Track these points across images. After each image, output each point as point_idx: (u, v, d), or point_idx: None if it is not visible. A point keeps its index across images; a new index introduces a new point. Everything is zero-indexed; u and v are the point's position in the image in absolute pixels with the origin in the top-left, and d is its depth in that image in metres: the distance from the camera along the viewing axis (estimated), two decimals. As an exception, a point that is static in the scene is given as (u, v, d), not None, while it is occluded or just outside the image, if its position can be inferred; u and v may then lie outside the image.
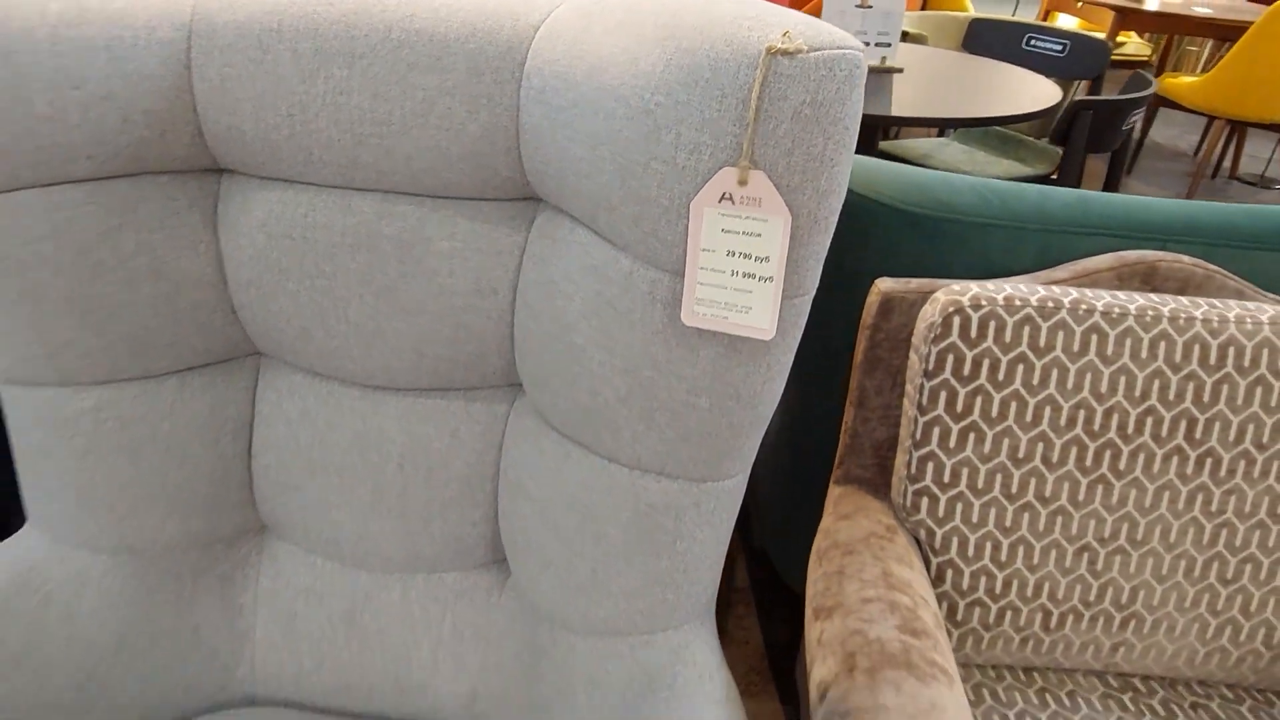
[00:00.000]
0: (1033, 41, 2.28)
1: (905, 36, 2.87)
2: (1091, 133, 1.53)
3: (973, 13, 2.90)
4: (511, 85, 0.61)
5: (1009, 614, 0.78)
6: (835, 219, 0.55)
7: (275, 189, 0.69)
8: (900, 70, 2.03)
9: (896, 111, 1.60)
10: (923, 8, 3.62)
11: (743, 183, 0.51)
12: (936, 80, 1.91)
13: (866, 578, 0.71)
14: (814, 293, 0.59)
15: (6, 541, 0.74)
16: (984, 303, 0.71)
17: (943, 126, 1.49)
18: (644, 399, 0.61)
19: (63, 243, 0.65)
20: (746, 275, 0.54)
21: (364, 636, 0.78)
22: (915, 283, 0.78)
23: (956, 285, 0.73)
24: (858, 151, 0.90)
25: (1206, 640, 0.78)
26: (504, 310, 0.68)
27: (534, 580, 0.72)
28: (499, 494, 0.74)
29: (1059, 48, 2.22)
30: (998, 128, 2.48)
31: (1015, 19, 2.45)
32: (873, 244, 0.84)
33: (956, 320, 0.71)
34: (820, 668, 0.65)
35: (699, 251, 0.54)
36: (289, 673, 0.79)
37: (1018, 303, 0.71)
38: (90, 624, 0.73)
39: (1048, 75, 2.26)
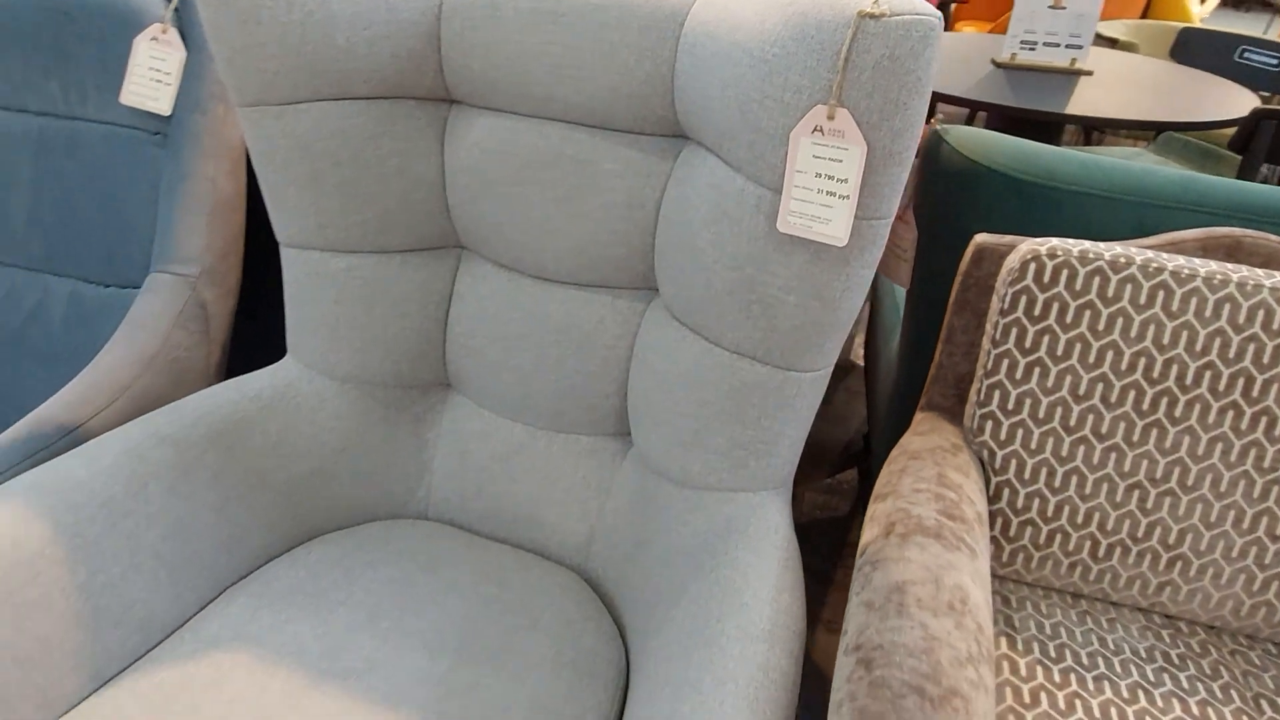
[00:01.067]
0: (1245, 54, 2.19)
1: (1115, 44, 2.80)
2: (1273, 143, 1.50)
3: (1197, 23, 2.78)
4: (671, 41, 0.79)
5: (1059, 537, 0.87)
6: (909, 155, 0.69)
7: (489, 116, 0.91)
8: (1089, 73, 2.03)
9: (1071, 110, 1.64)
10: (1143, 15, 3.47)
11: (831, 118, 0.66)
12: (1124, 84, 1.91)
13: (923, 475, 0.83)
14: (890, 218, 0.72)
15: (273, 366, 1.01)
16: (1060, 253, 0.82)
17: (1100, 127, 1.53)
18: (745, 292, 0.77)
19: (341, 143, 0.90)
20: (829, 194, 0.69)
21: (514, 476, 0.99)
22: (1008, 238, 0.89)
23: (1040, 240, 0.84)
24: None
25: (1253, 592, 0.84)
26: (649, 222, 0.86)
27: (648, 438, 0.90)
28: (630, 372, 0.92)
29: (1273, 62, 2.13)
30: (1199, 141, 2.39)
31: (1227, 30, 2.34)
32: (981, 206, 0.95)
33: (1033, 266, 0.82)
34: (865, 535, 0.79)
35: (794, 172, 0.69)
36: (455, 497, 1.02)
37: (1091, 256, 0.81)
38: (324, 430, 0.98)
39: (1255, 89, 2.16)
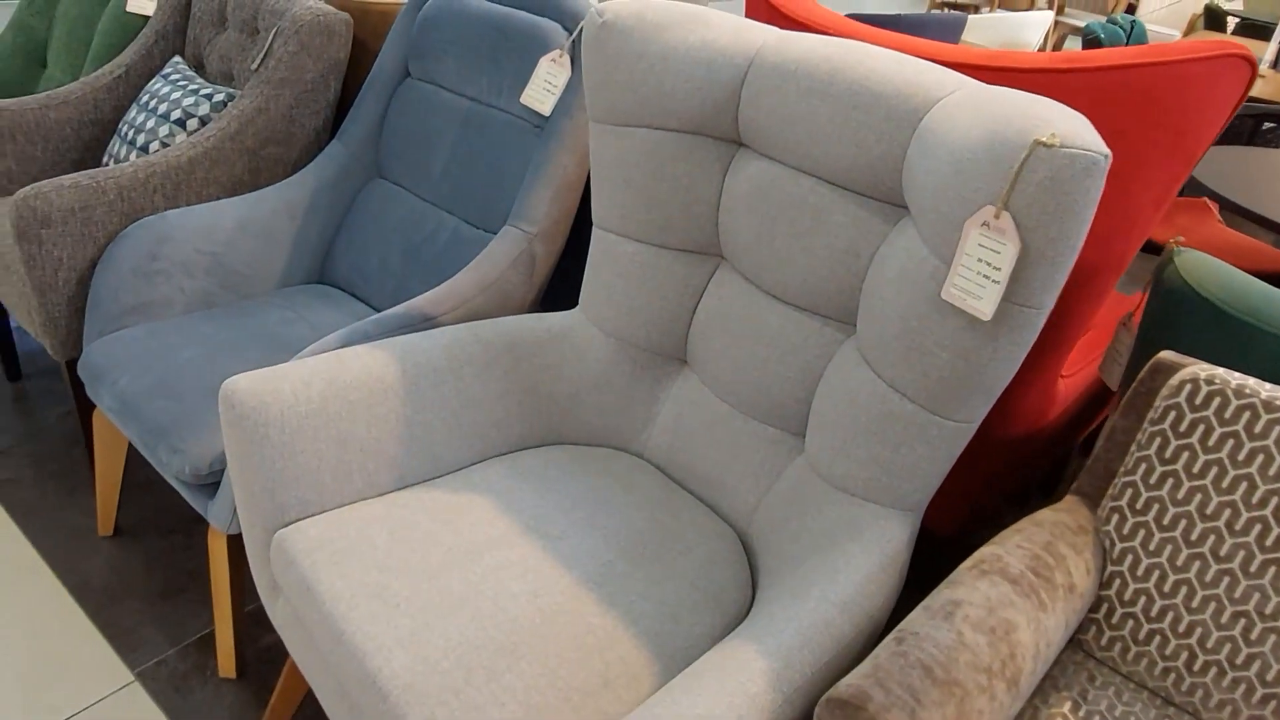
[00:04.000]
0: None
1: None
2: None
3: None
4: (908, 131, 0.98)
5: (1157, 638, 0.94)
6: (1061, 260, 0.82)
7: (763, 161, 1.15)
8: None
9: None
10: None
11: (997, 217, 0.82)
12: None
13: (1034, 539, 0.95)
14: (1042, 309, 0.86)
15: (568, 312, 1.35)
16: (1217, 381, 0.89)
17: None
18: (908, 340, 0.94)
19: (651, 159, 1.20)
20: (985, 277, 0.84)
21: (711, 443, 1.23)
22: (1188, 359, 0.96)
23: (1208, 365, 0.91)
24: None
25: (1348, 758, 0.85)
26: (861, 269, 1.06)
27: (814, 439, 1.10)
28: (818, 385, 1.12)
29: None
30: None
31: None
32: (1184, 328, 1.02)
33: (1189, 387, 0.90)
34: (957, 570, 0.93)
35: (962, 254, 0.86)
36: (665, 448, 1.29)
37: (1247, 391, 0.87)
38: (588, 367, 1.30)
39: None
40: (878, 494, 1.02)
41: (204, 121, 1.72)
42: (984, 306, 0.85)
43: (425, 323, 1.32)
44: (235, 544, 1.31)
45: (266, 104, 1.66)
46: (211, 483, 1.26)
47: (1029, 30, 4.55)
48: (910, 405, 0.97)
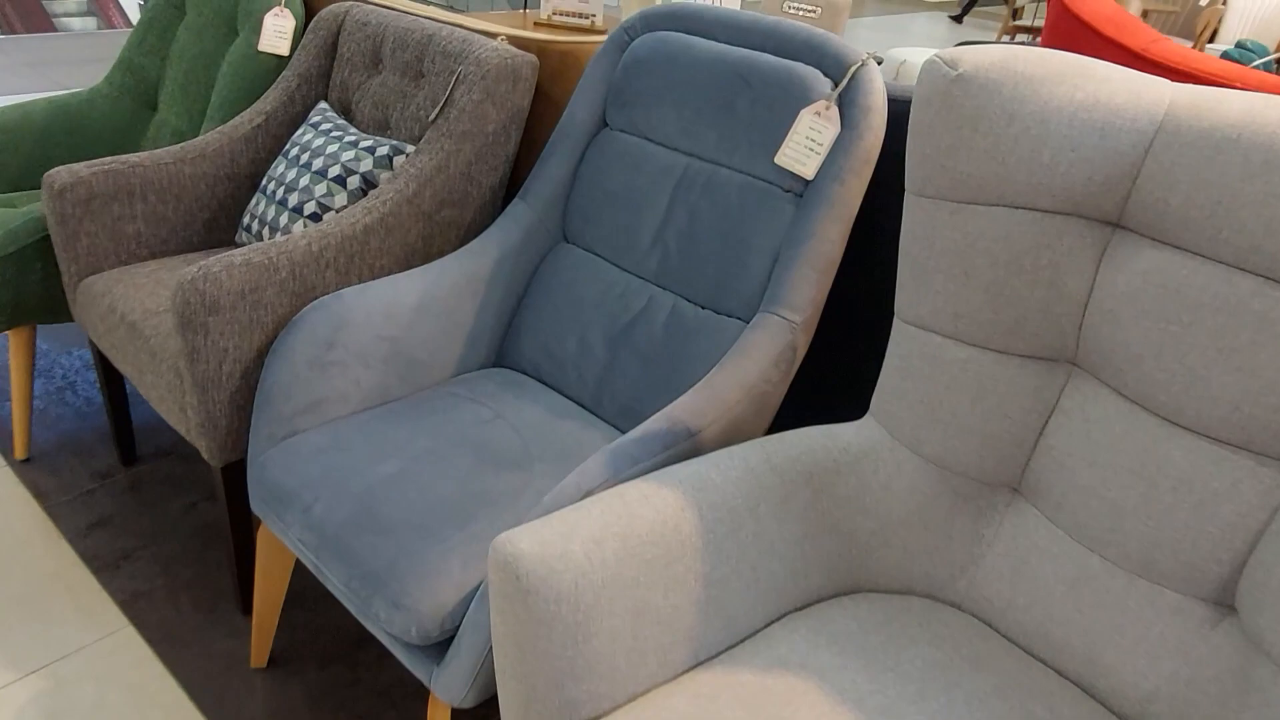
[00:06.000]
0: None
1: None
2: None
3: None
4: None
5: None
6: None
7: (1163, 250, 0.90)
8: None
9: None
10: None
11: None
12: None
13: None
14: None
15: (858, 423, 1.10)
16: None
17: None
18: None
19: (1004, 246, 0.95)
20: None
21: (1079, 606, 0.97)
22: None
23: None
24: None
25: None
26: (1343, 401, 0.80)
27: (1260, 615, 0.83)
28: (1259, 546, 0.86)
29: None
30: None
31: None
32: None
33: None
34: None
35: None
36: (997, 599, 1.03)
37: None
38: (894, 497, 1.05)
39: None
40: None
41: (367, 179, 1.49)
42: None
43: (690, 439, 1.07)
44: (459, 717, 1.06)
45: (446, 161, 1.43)
46: (440, 642, 1.01)
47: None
48: None
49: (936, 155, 0.95)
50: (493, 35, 1.54)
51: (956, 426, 1.02)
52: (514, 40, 1.54)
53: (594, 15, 2.86)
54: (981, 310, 0.98)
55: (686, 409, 1.09)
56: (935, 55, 0.95)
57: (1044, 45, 1.27)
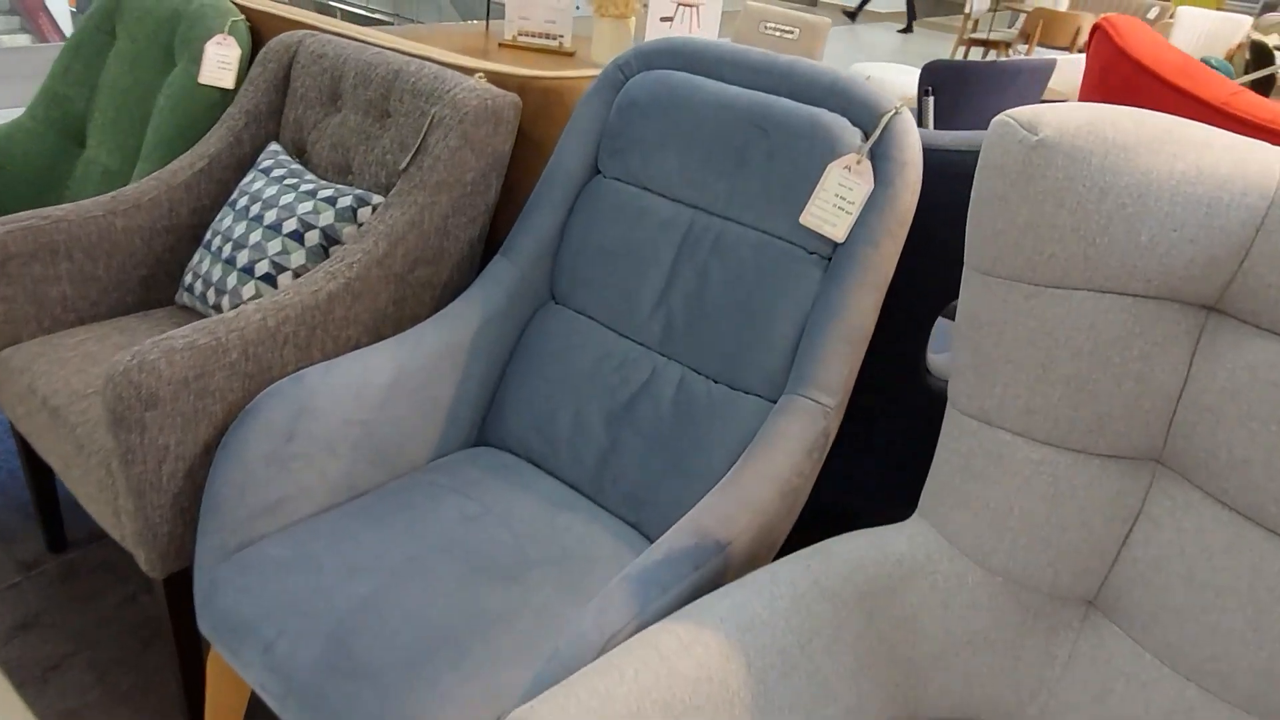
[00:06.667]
0: None
1: None
2: None
3: None
4: None
5: None
6: None
7: (1275, 341, 0.78)
8: None
9: None
10: None
11: None
12: None
13: None
14: None
15: (908, 527, 0.96)
16: None
17: None
18: None
19: (1089, 336, 0.82)
20: None
21: (1170, 740, 0.85)
22: None
23: None
24: None
25: None
26: None
27: None
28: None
29: None
30: None
31: None
32: None
33: None
34: None
35: None
36: (1076, 731, 0.90)
37: None
38: (956, 615, 0.91)
39: None
40: None
41: (329, 235, 1.32)
42: None
43: (720, 554, 0.92)
44: None
45: (420, 215, 1.27)
46: (432, 815, 0.85)
47: (1101, 73, 4.28)
48: None
49: (1012, 232, 0.82)
50: (468, 71, 1.38)
51: (1029, 536, 0.89)
52: (492, 77, 1.39)
53: (562, 36, 2.70)
54: (1060, 406, 0.85)
55: (715, 516, 0.94)
56: (1009, 117, 0.82)
57: (1087, 95, 1.15)
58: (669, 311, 1.22)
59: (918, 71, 4.12)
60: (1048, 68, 3.76)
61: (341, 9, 7.24)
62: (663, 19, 2.27)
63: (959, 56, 6.54)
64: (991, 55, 7.06)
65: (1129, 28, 1.07)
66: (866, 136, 1.09)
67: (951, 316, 1.17)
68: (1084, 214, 0.78)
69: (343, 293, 1.20)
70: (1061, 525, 0.88)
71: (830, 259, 1.10)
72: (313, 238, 1.32)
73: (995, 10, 7.58)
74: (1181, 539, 0.85)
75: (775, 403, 1.11)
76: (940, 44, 8.48)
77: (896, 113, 1.07)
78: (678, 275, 1.22)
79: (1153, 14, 6.86)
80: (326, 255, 1.31)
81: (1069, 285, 0.81)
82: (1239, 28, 6.74)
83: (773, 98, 1.15)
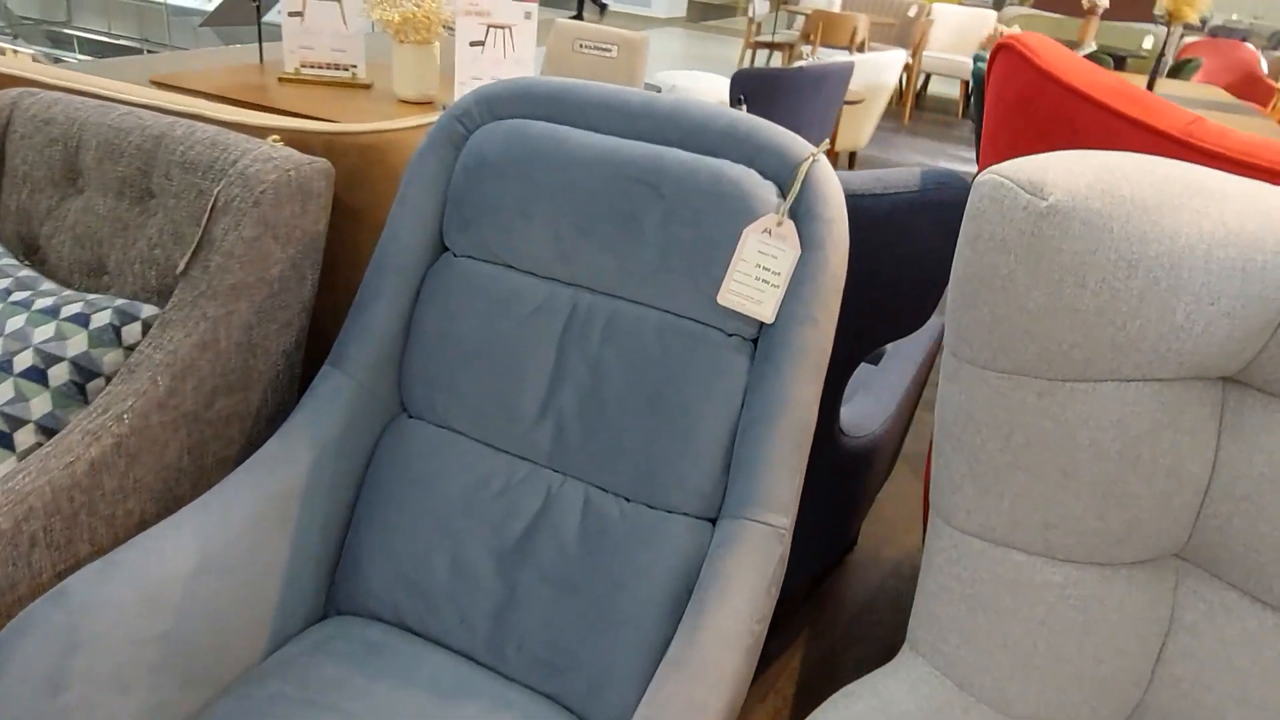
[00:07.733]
0: None
1: None
2: None
3: None
4: None
5: None
6: None
7: (1313, 417, 0.67)
8: None
9: None
10: None
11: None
12: None
13: None
14: None
15: (897, 665, 0.78)
16: None
17: None
18: None
19: (1116, 433, 0.67)
20: None
21: None
22: None
23: None
24: None
25: None
26: None
27: None
28: None
29: None
30: None
31: None
32: None
33: None
34: None
35: None
36: None
37: None
38: (987, 783, 0.75)
39: None
40: None
41: (82, 369, 0.97)
42: None
43: (699, 762, 0.70)
44: None
45: (214, 331, 0.95)
46: None
47: (888, 71, 4.46)
48: None
49: (1020, 319, 0.66)
50: (258, 131, 1.07)
51: (1059, 674, 0.74)
52: (290, 138, 1.09)
53: (354, 66, 2.37)
54: (1084, 517, 0.70)
55: (677, 699, 0.72)
56: (1002, 176, 0.65)
57: (1003, 128, 1.03)
58: (559, 416, 0.99)
59: (723, 78, 4.08)
60: (848, 71, 3.82)
61: (79, 36, 6.34)
62: (472, 43, 2.01)
63: (747, 59, 6.66)
64: (777, 57, 7.25)
65: (1044, 47, 0.95)
66: (782, 191, 0.90)
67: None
68: (1111, 294, 0.63)
69: (112, 456, 0.87)
70: (1096, 657, 0.73)
71: (755, 340, 0.91)
72: (60, 374, 0.97)
73: (776, 12, 7.83)
74: (1226, 651, 0.72)
75: (710, 521, 0.91)
76: (719, 46, 8.67)
77: (814, 159, 0.89)
78: (565, 370, 0.99)
79: (913, 12, 7.29)
80: (84, 398, 0.96)
81: (1092, 378, 0.66)
82: (985, 21, 7.33)
83: (661, 148, 0.95)
